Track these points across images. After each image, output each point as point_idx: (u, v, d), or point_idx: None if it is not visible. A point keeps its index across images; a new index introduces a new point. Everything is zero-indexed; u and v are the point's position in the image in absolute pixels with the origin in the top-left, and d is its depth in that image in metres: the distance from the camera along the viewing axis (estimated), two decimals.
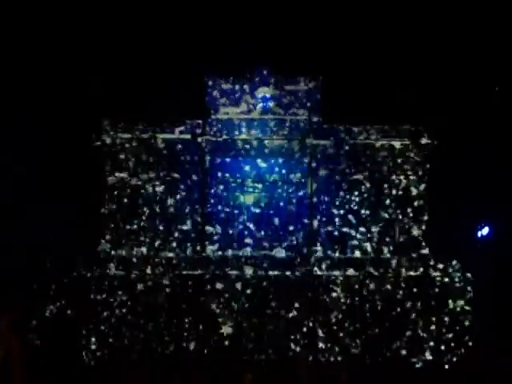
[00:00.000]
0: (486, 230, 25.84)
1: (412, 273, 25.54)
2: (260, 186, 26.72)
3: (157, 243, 26.30)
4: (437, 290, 25.23)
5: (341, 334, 24.70)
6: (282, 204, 26.70)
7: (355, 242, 26.45)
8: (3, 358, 9.93)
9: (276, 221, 26.57)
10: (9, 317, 10.13)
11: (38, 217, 24.36)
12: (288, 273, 25.31)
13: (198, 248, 26.22)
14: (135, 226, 26.41)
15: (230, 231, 26.53)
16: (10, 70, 24.21)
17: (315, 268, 25.44)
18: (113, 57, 24.61)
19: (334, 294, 25.13)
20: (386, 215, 26.64)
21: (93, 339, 24.25)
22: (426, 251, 26.11)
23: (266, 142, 26.78)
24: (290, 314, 24.88)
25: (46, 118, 25.02)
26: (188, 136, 26.75)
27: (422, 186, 26.58)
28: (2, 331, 9.95)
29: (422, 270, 25.56)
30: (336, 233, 26.58)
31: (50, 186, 24.96)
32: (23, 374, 10.23)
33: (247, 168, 26.88)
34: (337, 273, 25.46)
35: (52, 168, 25.25)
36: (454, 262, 25.50)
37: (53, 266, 24.37)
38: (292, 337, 24.61)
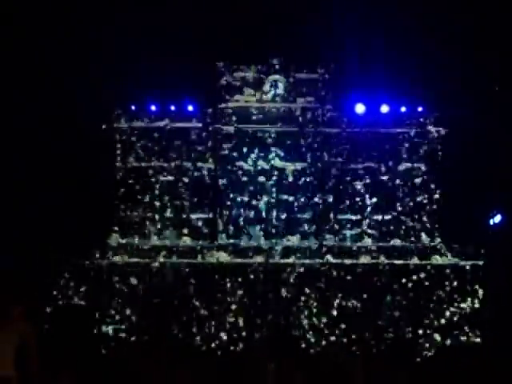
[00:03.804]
0: (498, 218, 25.68)
1: (423, 261, 25.51)
2: (271, 174, 26.65)
3: (168, 232, 26.31)
4: (448, 278, 25.20)
5: (353, 323, 24.73)
6: (293, 192, 26.63)
7: (367, 231, 26.40)
8: (19, 345, 9.96)
9: (287, 209, 26.53)
10: (23, 305, 10.15)
11: (49, 206, 24.35)
12: (300, 261, 25.33)
13: (210, 237, 26.23)
14: (147, 215, 26.42)
15: (242, 220, 26.49)
16: (15, 57, 24.19)
17: (327, 256, 25.43)
18: (124, 43, 24.52)
19: (346, 283, 25.15)
20: (398, 203, 26.57)
21: (105, 327, 24.38)
22: (437, 239, 26.06)
23: (277, 130, 26.75)
24: (303, 303, 24.91)
25: (57, 106, 24.96)
26: (199, 124, 26.75)
27: (434, 174, 26.50)
28: (16, 319, 9.98)
29: (433, 258, 25.54)
30: (347, 221, 26.52)
31: (60, 175, 24.92)
32: (38, 361, 10.28)
33: (258, 156, 26.81)
34: (348, 261, 25.46)
35: (61, 156, 25.19)
36: (466, 250, 25.45)
37: (64, 255, 24.45)
38: (305, 326, 24.67)
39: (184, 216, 26.48)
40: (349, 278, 25.11)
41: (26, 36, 24.23)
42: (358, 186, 26.63)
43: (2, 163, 23.73)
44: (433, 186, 26.37)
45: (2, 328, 9.79)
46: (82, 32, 24.60)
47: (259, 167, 26.73)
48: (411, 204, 26.49)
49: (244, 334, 24.71)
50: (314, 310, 24.86)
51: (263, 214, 26.52)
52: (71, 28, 24.58)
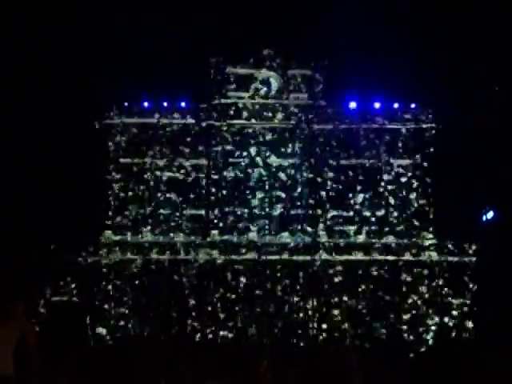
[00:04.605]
0: (490, 214, 25.75)
1: (416, 257, 25.57)
2: (264, 170, 26.60)
3: (162, 228, 26.23)
4: (441, 274, 25.30)
5: (347, 319, 24.80)
6: (286, 188, 26.59)
7: (360, 227, 26.37)
8: (19, 342, 9.94)
9: (281, 205, 26.50)
10: (23, 303, 10.13)
11: (41, 203, 24.26)
12: (293, 258, 25.35)
13: (203, 233, 26.18)
14: (139, 212, 26.33)
15: (235, 216, 26.42)
16: (13, 55, 24.10)
17: (320, 253, 25.45)
18: (117, 41, 24.45)
19: (339, 279, 25.20)
20: (390, 200, 26.57)
21: (99, 323, 24.37)
22: (430, 235, 26.09)
23: (270, 126, 26.70)
24: (296, 299, 24.95)
25: (51, 103, 24.87)
26: (192, 120, 26.68)
27: (427, 170, 26.52)
28: (18, 317, 9.95)
29: (426, 254, 25.61)
30: (341, 217, 26.49)
31: (53, 172, 24.83)
32: (38, 358, 10.26)
33: (251, 153, 26.76)
34: (341, 258, 25.49)
35: (54, 154, 25.10)
36: (459, 246, 25.53)
37: (57, 252, 24.39)
38: (297, 321, 24.72)
39: (177, 212, 26.42)
40: (342, 274, 25.19)
41: (24, 35, 24.15)
42: (351, 182, 26.61)
43: None
44: (426, 182, 26.39)
45: (4, 326, 9.76)
46: (76, 28, 24.53)
47: (252, 163, 26.67)
48: (404, 200, 26.50)
49: (237, 330, 24.75)
50: (308, 307, 24.90)
51: (256, 210, 26.48)
52: (65, 24, 24.50)
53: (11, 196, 23.82)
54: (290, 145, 26.75)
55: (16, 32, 23.88)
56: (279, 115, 26.70)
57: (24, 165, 24.65)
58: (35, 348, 10.13)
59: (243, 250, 25.49)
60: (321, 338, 24.50)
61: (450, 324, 25.00)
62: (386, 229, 26.26)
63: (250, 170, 26.58)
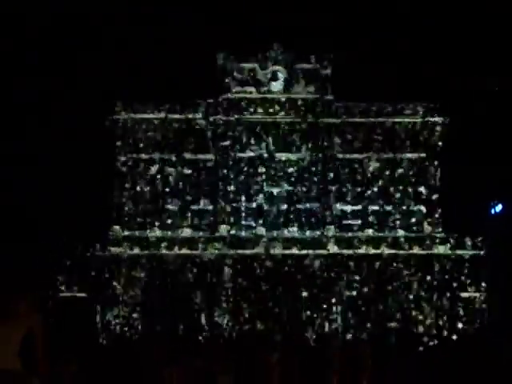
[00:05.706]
0: (499, 207, 25.66)
1: (425, 251, 25.53)
2: (272, 165, 26.55)
3: (170, 223, 26.23)
4: (450, 267, 25.26)
5: (355, 312, 24.80)
6: (294, 183, 26.53)
7: (368, 221, 26.31)
8: (26, 336, 9.93)
9: (288, 200, 26.44)
10: (30, 297, 10.12)
11: (51, 198, 24.35)
12: (301, 252, 25.33)
13: (211, 228, 26.16)
14: (148, 207, 26.34)
15: (242, 211, 26.39)
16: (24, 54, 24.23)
17: (329, 247, 25.43)
18: (124, 35, 24.48)
19: (348, 272, 25.19)
20: (399, 193, 26.50)
21: (107, 318, 24.43)
22: (439, 229, 26.04)
23: (278, 120, 26.63)
24: (304, 293, 24.95)
25: (60, 100, 24.95)
26: (199, 115, 26.63)
27: (435, 164, 26.45)
28: (24, 311, 9.94)
29: (434, 247, 25.56)
30: (349, 211, 26.44)
31: (62, 167, 24.93)
32: (44, 352, 10.25)
33: (259, 147, 26.71)
34: (349, 251, 25.46)
35: (63, 148, 25.18)
36: (467, 239, 25.49)
37: (66, 247, 24.45)
38: (306, 315, 24.73)
39: (185, 207, 26.40)
40: (350, 267, 25.18)
41: (32, 33, 24.27)
42: (359, 175, 26.55)
43: (6, 156, 23.76)
44: (434, 176, 26.33)
45: (8, 325, 9.75)
46: (82, 24, 24.58)
47: (260, 158, 26.62)
48: (413, 194, 26.44)
49: (246, 324, 24.77)
50: (316, 300, 24.91)
51: (264, 204, 26.43)
52: (71, 23, 24.57)
53: (21, 192, 23.91)
54: (298, 139, 26.69)
55: (18, 33, 23.97)
56: (286, 109, 26.62)
57: (32, 160, 24.75)
58: (41, 346, 10.13)
59: (250, 245, 25.48)
60: (328, 331, 24.49)
61: (460, 317, 24.99)
62: (395, 222, 26.22)
63: (257, 165, 26.53)
